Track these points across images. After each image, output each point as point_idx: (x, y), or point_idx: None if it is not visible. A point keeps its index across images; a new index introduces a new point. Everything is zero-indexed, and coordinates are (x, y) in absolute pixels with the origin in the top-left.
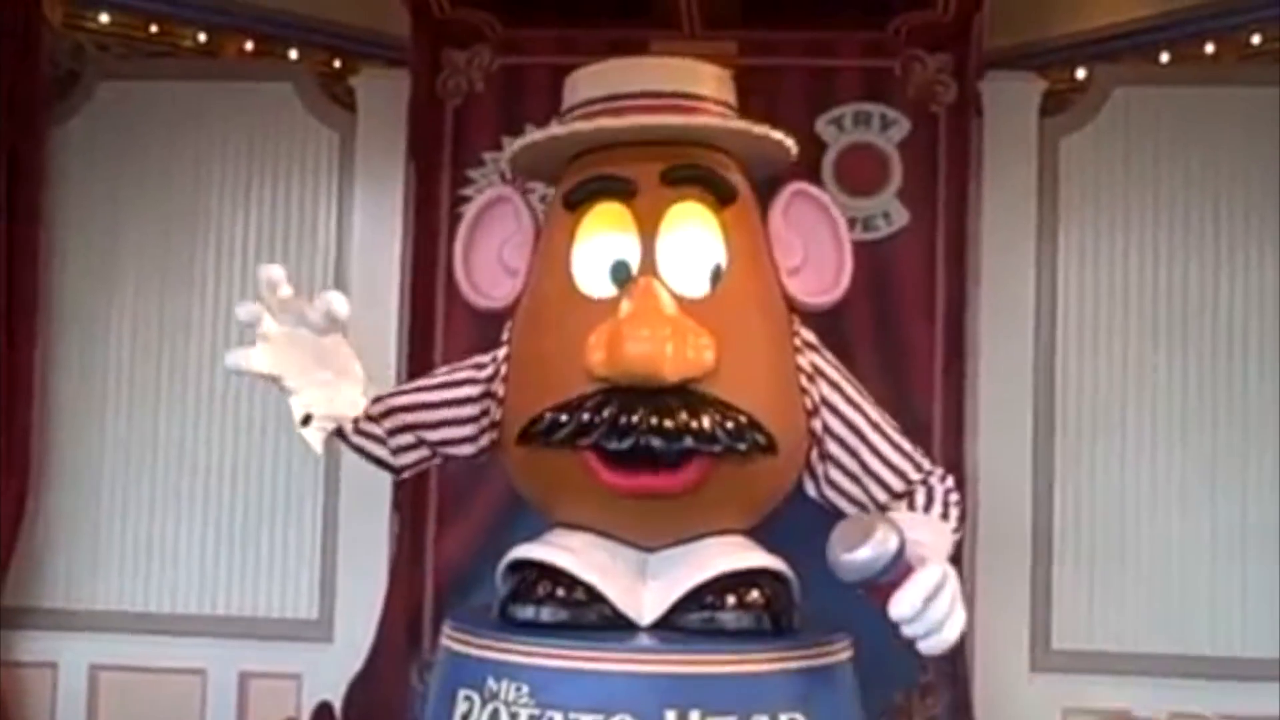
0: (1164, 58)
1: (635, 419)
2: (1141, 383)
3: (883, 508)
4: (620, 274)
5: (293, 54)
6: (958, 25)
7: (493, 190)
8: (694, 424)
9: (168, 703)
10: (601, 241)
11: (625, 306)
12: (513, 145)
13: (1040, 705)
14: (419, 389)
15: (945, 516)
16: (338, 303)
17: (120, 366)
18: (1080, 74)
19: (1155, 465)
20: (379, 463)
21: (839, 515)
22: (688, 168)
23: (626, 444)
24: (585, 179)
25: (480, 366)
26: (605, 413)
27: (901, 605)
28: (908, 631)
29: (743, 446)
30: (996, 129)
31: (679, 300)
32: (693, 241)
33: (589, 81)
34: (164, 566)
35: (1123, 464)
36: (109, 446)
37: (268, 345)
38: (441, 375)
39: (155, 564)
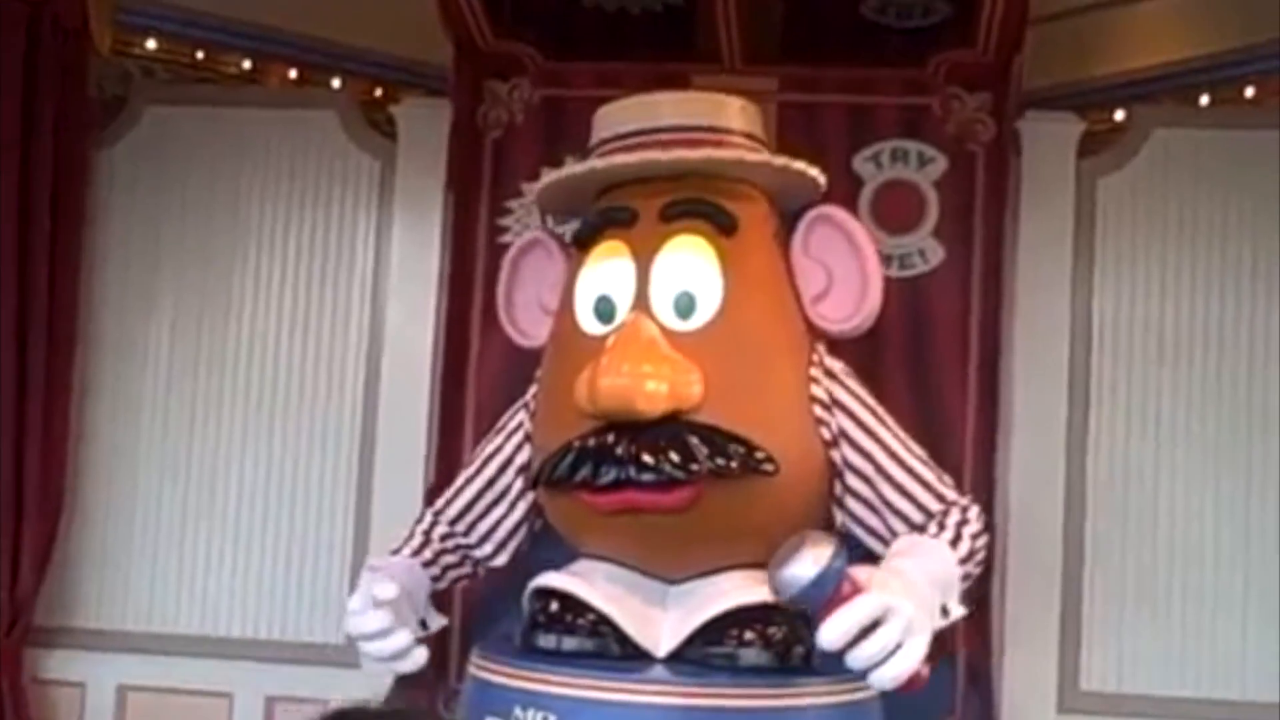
0: (1204, 100)
1: (618, 451)
2: (1175, 423)
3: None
4: (604, 309)
5: (335, 82)
6: (997, 65)
7: (528, 234)
8: (680, 456)
9: None
10: (599, 277)
11: (609, 343)
12: (536, 185)
13: None
14: (464, 487)
15: (954, 544)
16: None
17: (156, 390)
18: (1119, 115)
19: (1189, 507)
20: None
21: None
22: (684, 202)
23: (611, 478)
24: (590, 214)
25: (500, 430)
26: (591, 447)
27: (827, 632)
28: (848, 663)
29: (734, 465)
30: (1034, 169)
31: (670, 334)
32: (686, 273)
33: (611, 118)
34: (194, 589)
35: (1156, 505)
36: (142, 469)
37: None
38: (476, 460)
39: (185, 586)
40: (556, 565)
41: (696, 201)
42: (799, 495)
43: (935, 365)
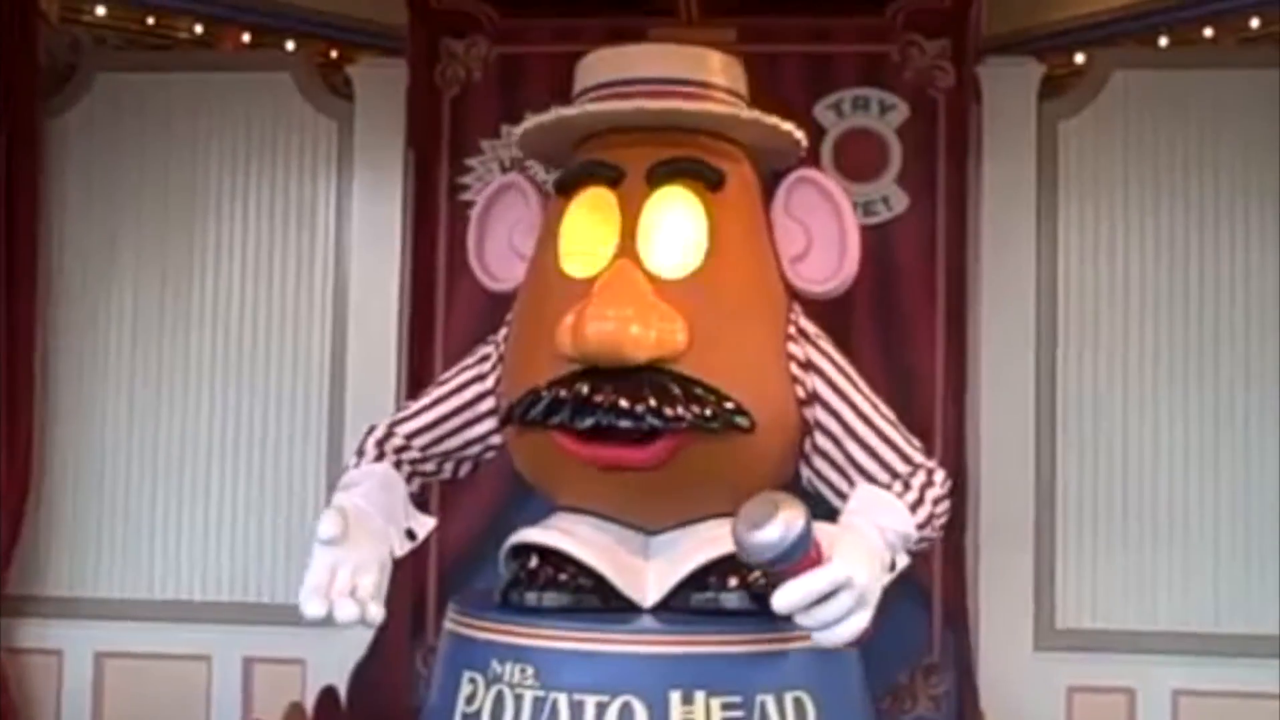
0: (1163, 42)
1: (599, 398)
2: (1143, 362)
3: None
4: (589, 254)
5: (290, 45)
6: (956, 10)
7: (501, 178)
8: (660, 404)
9: (173, 689)
10: (585, 222)
11: (596, 287)
12: (520, 126)
13: (1044, 684)
14: (429, 406)
15: (915, 507)
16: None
17: (121, 355)
18: (1078, 59)
19: (1158, 446)
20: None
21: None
22: (672, 163)
23: (589, 423)
24: (576, 165)
25: (485, 359)
26: (571, 392)
27: (783, 599)
28: (798, 622)
29: (715, 425)
30: (995, 114)
31: (655, 281)
32: (673, 224)
33: (600, 66)
34: (168, 553)
35: (1125, 444)
36: (111, 435)
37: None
38: (447, 383)
39: (159, 551)
40: (531, 522)
41: (683, 162)
42: (773, 451)
43: (902, 312)
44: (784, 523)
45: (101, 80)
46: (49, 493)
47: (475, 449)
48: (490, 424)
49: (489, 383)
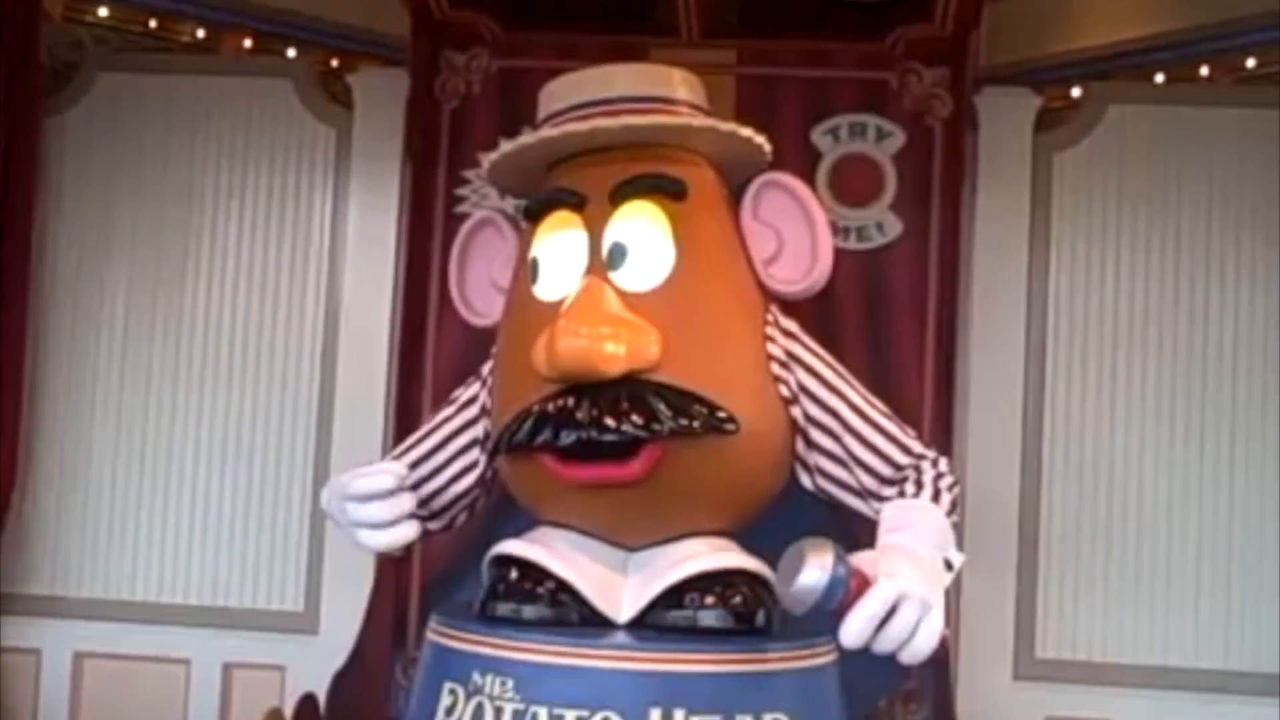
0: (1159, 78)
1: (580, 414)
2: (1130, 395)
3: (872, 494)
4: (559, 276)
5: (291, 52)
6: (955, 40)
7: (477, 214)
8: (641, 414)
9: (151, 691)
10: (552, 246)
11: (565, 305)
12: (486, 162)
13: (1023, 714)
14: (426, 455)
15: (936, 498)
16: None
17: (111, 357)
18: (1075, 92)
19: (1143, 477)
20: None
21: (843, 509)
22: (632, 181)
23: (572, 439)
24: (540, 193)
25: (452, 402)
26: (552, 411)
27: (849, 633)
28: (875, 650)
29: (696, 425)
30: (991, 144)
31: (624, 296)
32: (639, 238)
33: (560, 91)
34: (150, 556)
35: (1111, 475)
36: (97, 436)
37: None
38: (441, 428)
39: (142, 553)
40: (516, 534)
41: (643, 179)
42: (759, 454)
43: (893, 338)
44: (817, 565)
45: (103, 80)
46: (34, 491)
47: (468, 499)
48: (475, 476)
49: (455, 424)
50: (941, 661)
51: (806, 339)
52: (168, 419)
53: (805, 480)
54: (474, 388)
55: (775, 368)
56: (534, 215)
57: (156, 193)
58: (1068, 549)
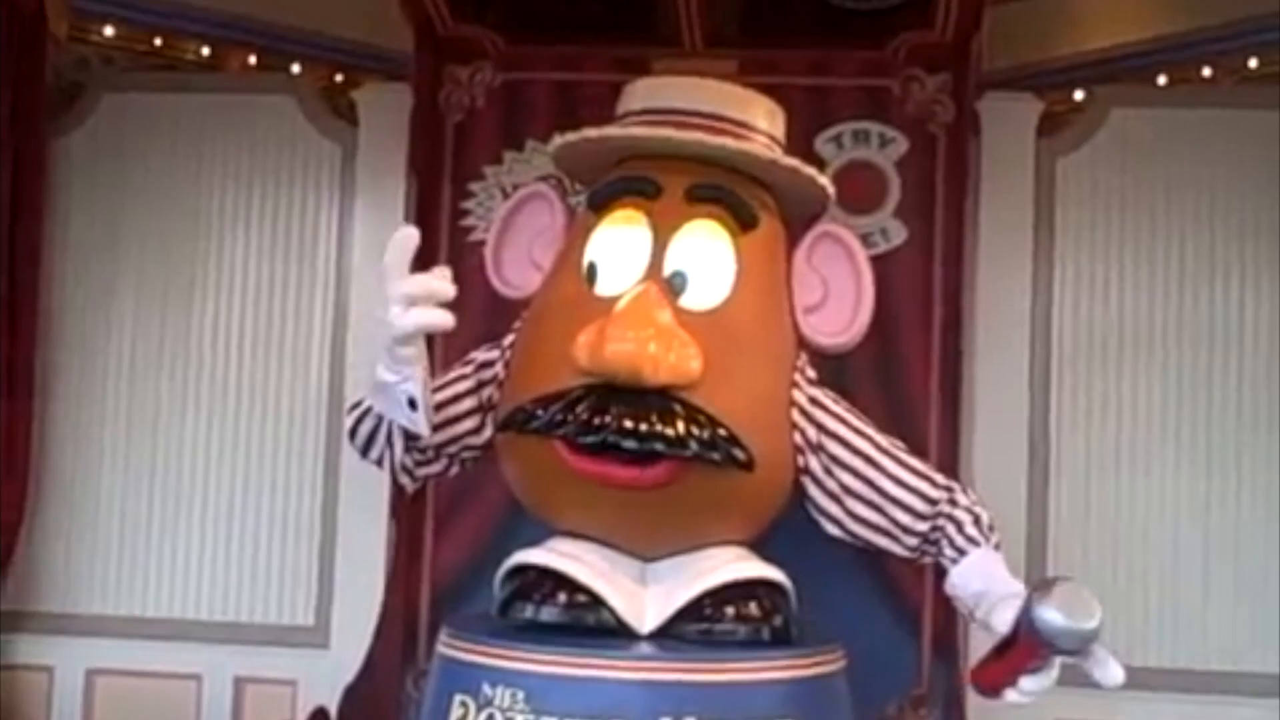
0: (1161, 80)
1: (608, 418)
2: (1136, 400)
3: (907, 530)
4: (616, 273)
5: (295, 68)
6: (956, 46)
7: (532, 186)
8: (665, 429)
9: (163, 707)
10: (615, 240)
11: (619, 307)
12: (565, 137)
13: (1033, 717)
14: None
15: (997, 547)
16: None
17: (120, 374)
18: (1078, 95)
19: (1150, 482)
20: (405, 471)
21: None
22: (714, 186)
23: (594, 440)
24: (614, 178)
25: (469, 361)
26: (580, 408)
27: (1115, 676)
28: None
29: (716, 457)
30: (994, 149)
31: (676, 310)
32: (703, 256)
33: (645, 92)
34: (161, 571)
35: (1117, 480)
36: (108, 453)
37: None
38: (438, 379)
39: (153, 569)
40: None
41: (725, 188)
42: (774, 491)
43: (898, 344)
44: (1098, 615)
45: (108, 100)
46: (45, 509)
47: (453, 448)
48: (469, 424)
49: (470, 383)
50: (951, 665)
51: (827, 391)
52: (177, 435)
53: (831, 529)
54: (492, 353)
55: (795, 414)
56: (601, 203)
57: (163, 211)
58: (1075, 553)
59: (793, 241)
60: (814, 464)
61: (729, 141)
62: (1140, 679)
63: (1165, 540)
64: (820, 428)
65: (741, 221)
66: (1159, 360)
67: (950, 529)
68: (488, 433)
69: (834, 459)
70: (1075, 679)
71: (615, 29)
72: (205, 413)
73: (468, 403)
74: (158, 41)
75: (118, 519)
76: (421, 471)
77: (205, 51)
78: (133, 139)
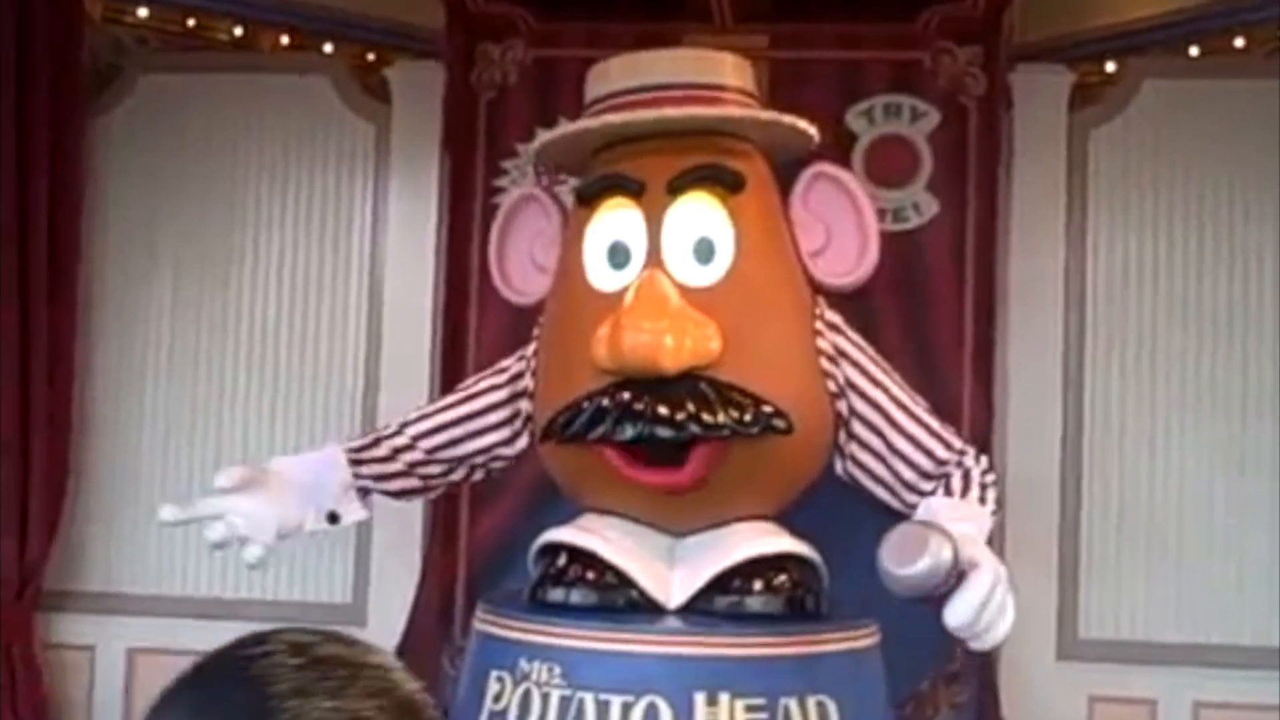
0: (1193, 51)
1: (640, 407)
2: (1170, 372)
3: (910, 487)
4: (617, 261)
5: (328, 47)
6: (988, 18)
7: (520, 189)
8: (700, 411)
9: None
10: (608, 235)
11: (627, 299)
12: (538, 140)
13: (1066, 694)
14: (444, 408)
15: (983, 500)
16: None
17: (159, 355)
18: (1110, 67)
19: (1184, 455)
20: (412, 494)
21: (864, 496)
22: (692, 171)
23: (632, 433)
24: (595, 177)
25: (502, 370)
26: (610, 404)
27: (959, 614)
28: (963, 636)
29: (755, 430)
30: (1026, 121)
31: (685, 290)
32: (698, 231)
33: (608, 75)
34: (200, 551)
35: (1152, 453)
36: (148, 434)
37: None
38: (463, 390)
39: (192, 549)
40: (561, 523)
41: (703, 169)
42: (809, 449)
43: (931, 318)
44: (933, 556)
45: (144, 82)
46: (86, 490)
47: (482, 458)
48: (500, 435)
49: (503, 394)
50: None
51: (850, 333)
52: (215, 413)
53: (838, 466)
54: (519, 365)
55: (824, 362)
56: (588, 200)
57: (199, 191)
58: (1109, 527)
59: (788, 181)
60: (841, 408)
61: (701, 109)
62: (1171, 655)
63: (1200, 513)
64: (845, 377)
65: (728, 186)
66: (1193, 329)
67: (955, 481)
68: (521, 443)
69: (851, 409)
70: (1112, 655)
71: (645, 4)
72: (243, 393)
73: (501, 413)
74: (191, 22)
75: (158, 498)
76: (445, 483)
77: (238, 31)
78: (169, 120)
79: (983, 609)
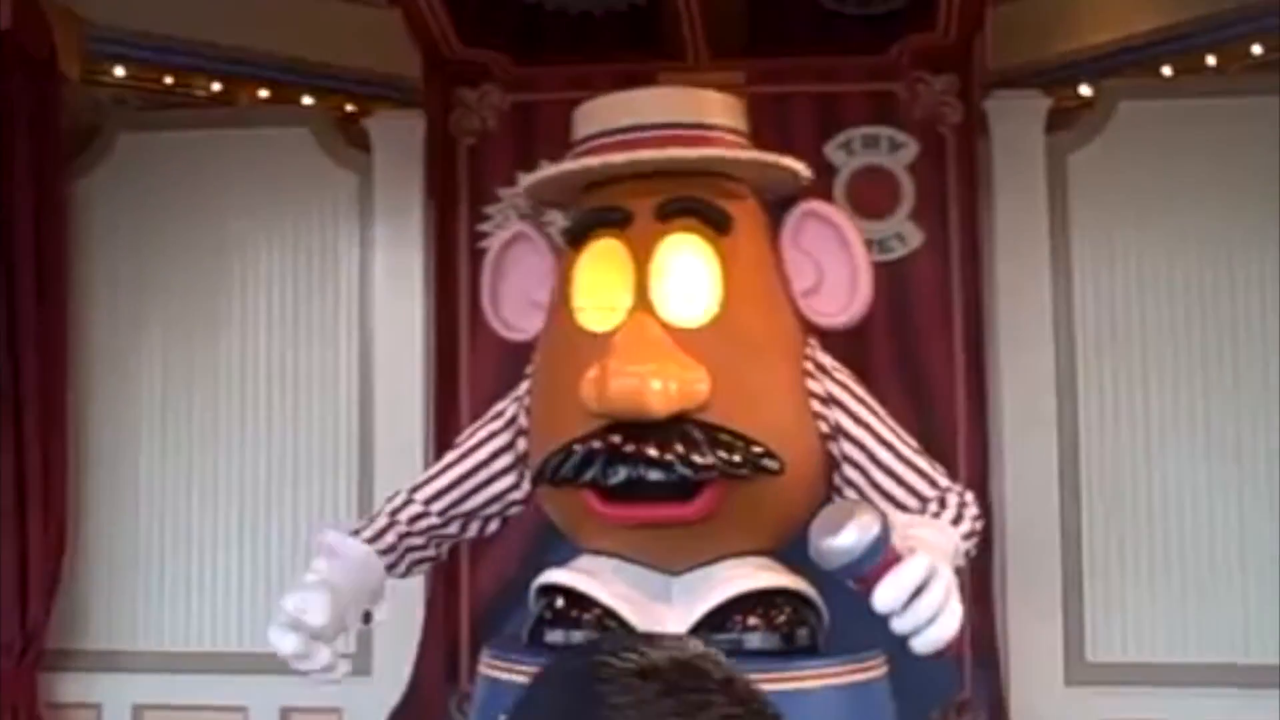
0: (1166, 71)
1: (629, 449)
2: (1163, 393)
3: None
4: (604, 307)
5: (306, 99)
6: (960, 46)
7: (511, 228)
8: (689, 453)
9: None
10: (597, 275)
11: (615, 342)
12: (524, 181)
13: (1076, 718)
14: (448, 467)
15: (956, 521)
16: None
17: (152, 410)
18: (1084, 90)
19: (1181, 474)
20: (427, 563)
21: None
22: (680, 200)
23: (621, 478)
24: (581, 212)
25: (499, 416)
26: (601, 447)
27: (884, 596)
28: (897, 626)
29: (744, 471)
30: (1004, 147)
31: (673, 332)
32: (685, 272)
33: (597, 114)
34: (203, 604)
35: (1149, 473)
36: (144, 488)
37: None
38: (463, 444)
39: (195, 602)
40: (560, 563)
41: (693, 199)
42: (803, 488)
43: (921, 347)
44: (859, 527)
45: (124, 140)
46: (85, 548)
47: (495, 507)
48: (509, 481)
49: (506, 438)
50: (993, 668)
51: (842, 375)
52: (210, 468)
53: None
54: (513, 408)
55: (815, 404)
56: (576, 238)
57: (186, 247)
58: (1111, 550)
59: (777, 217)
60: (834, 450)
61: (683, 151)
62: (1179, 675)
63: (1202, 532)
64: (835, 421)
65: (716, 225)
66: (1183, 347)
67: (932, 507)
68: (528, 485)
69: (841, 453)
70: (1121, 678)
71: (621, 45)
72: (238, 446)
73: (506, 458)
74: (169, 80)
75: (157, 553)
76: (458, 541)
77: (216, 87)
78: (151, 178)
79: (915, 598)
